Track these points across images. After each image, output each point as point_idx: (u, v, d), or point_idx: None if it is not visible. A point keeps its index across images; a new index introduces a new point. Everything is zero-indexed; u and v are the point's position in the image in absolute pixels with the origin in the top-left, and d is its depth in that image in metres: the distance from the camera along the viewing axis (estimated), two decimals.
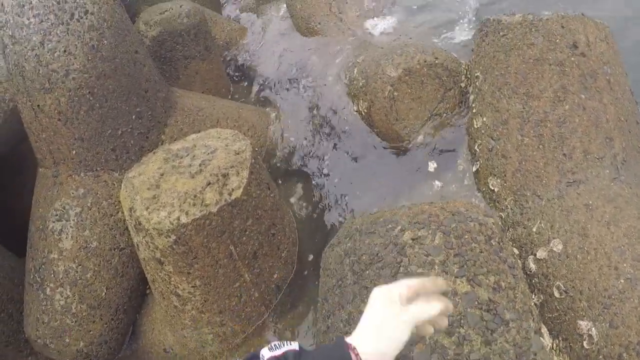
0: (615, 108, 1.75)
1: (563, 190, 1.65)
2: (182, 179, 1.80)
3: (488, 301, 1.28)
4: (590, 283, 1.45)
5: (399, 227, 1.37)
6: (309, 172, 2.40)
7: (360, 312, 1.32)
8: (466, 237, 1.34)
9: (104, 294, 2.05)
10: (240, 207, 1.76)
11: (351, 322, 1.34)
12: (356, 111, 2.31)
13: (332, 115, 2.39)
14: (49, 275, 2.03)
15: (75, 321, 2.04)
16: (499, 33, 1.92)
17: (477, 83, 2.02)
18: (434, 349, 1.24)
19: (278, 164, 2.51)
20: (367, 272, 1.37)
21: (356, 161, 2.26)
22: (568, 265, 1.52)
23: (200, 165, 1.84)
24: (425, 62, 2.05)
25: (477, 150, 1.95)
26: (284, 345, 0.92)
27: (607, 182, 1.63)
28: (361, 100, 2.23)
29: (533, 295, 1.59)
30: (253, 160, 1.86)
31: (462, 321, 1.26)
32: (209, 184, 1.76)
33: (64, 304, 2.03)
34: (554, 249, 1.57)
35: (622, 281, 1.40)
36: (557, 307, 1.52)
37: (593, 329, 1.41)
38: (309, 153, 2.40)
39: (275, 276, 2.04)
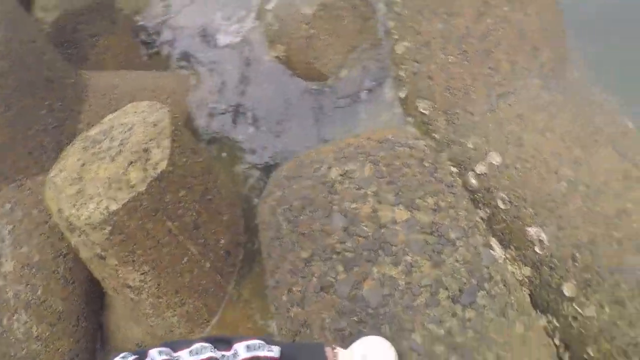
0: (540, 18, 1.72)
1: (494, 104, 1.63)
2: (103, 164, 1.70)
3: (430, 224, 1.26)
4: (532, 190, 1.45)
5: (326, 165, 1.32)
6: (237, 128, 2.32)
7: (302, 260, 1.29)
8: (397, 163, 1.31)
9: (60, 307, 1.96)
10: (168, 179, 1.68)
11: (297, 273, 1.31)
12: (276, 57, 2.22)
13: (253, 66, 2.30)
14: (1, 304, 1.93)
15: (41, 344, 1.96)
16: None
17: (396, 9, 1.95)
18: (383, 282, 1.22)
19: (204, 126, 2.42)
20: (301, 217, 1.33)
21: (283, 108, 2.19)
22: (509, 176, 1.51)
23: (119, 145, 1.74)
24: None
25: (403, 75, 1.90)
26: (262, 348, 0.91)
27: (537, 91, 1.62)
28: (279, 45, 2.14)
29: (479, 210, 1.59)
30: (174, 128, 1.77)
31: (406, 249, 1.24)
32: (130, 163, 1.67)
33: (24, 330, 1.94)
34: (493, 162, 1.56)
35: (564, 184, 1.40)
36: (504, 217, 1.52)
37: (542, 234, 1.41)
38: (234, 109, 2.31)
39: (222, 242, 1.99)
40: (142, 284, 1.78)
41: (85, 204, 1.61)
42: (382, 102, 1.95)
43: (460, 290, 1.22)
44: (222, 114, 2.33)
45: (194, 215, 1.81)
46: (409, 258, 1.23)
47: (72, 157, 1.80)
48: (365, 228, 1.25)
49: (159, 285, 1.80)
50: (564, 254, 1.39)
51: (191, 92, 2.44)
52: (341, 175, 1.29)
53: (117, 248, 1.65)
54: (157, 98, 2.31)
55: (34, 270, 1.93)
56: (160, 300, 1.85)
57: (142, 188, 1.62)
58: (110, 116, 1.95)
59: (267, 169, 2.15)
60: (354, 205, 1.25)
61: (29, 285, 1.92)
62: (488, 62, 1.67)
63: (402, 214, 1.26)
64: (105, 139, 1.80)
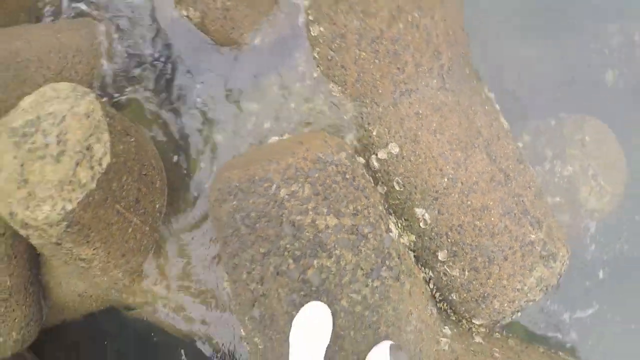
0: (444, 23, 2.20)
1: (397, 99, 2.19)
2: (48, 165, 1.98)
3: (351, 226, 1.92)
4: (422, 180, 2.14)
5: (275, 186, 1.86)
6: (152, 86, 2.58)
7: (260, 253, 1.90)
8: (327, 182, 1.89)
9: (9, 282, 2.32)
10: (113, 170, 2.03)
11: (257, 261, 1.92)
12: (186, 16, 2.45)
13: (166, 24, 2.50)
14: None
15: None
16: None
17: None
18: (321, 270, 1.90)
19: (116, 83, 2.63)
20: (257, 224, 1.89)
21: (197, 69, 2.52)
22: (404, 165, 2.17)
23: (58, 144, 2.01)
24: None
25: (317, 57, 2.34)
26: None
27: (435, 92, 2.20)
28: (192, 9, 2.37)
29: (378, 187, 2.27)
30: (108, 118, 2.06)
31: (335, 246, 1.90)
32: (77, 164, 1.98)
33: None
34: (392, 151, 2.19)
35: (446, 180, 2.10)
36: (399, 197, 2.22)
37: (426, 214, 2.15)
38: (148, 65, 2.55)
39: (157, 206, 2.46)
40: (94, 256, 2.24)
41: (39, 205, 1.93)
42: (295, 73, 2.36)
43: (371, 269, 1.95)
44: (137, 70, 2.55)
45: (135, 193, 2.23)
46: (337, 252, 1.90)
47: (5, 154, 2.02)
48: (307, 233, 1.87)
49: (109, 254, 2.27)
50: (441, 231, 2.16)
51: (100, 44, 2.55)
52: (288, 194, 1.84)
53: (74, 236, 2.05)
54: (65, 60, 2.42)
55: None
56: (109, 264, 2.34)
57: (92, 185, 1.98)
58: (28, 101, 2.12)
59: (185, 127, 2.55)
60: (299, 217, 1.84)
61: None
62: (396, 63, 2.17)
63: (332, 220, 1.89)
64: (36, 132, 2.03)
